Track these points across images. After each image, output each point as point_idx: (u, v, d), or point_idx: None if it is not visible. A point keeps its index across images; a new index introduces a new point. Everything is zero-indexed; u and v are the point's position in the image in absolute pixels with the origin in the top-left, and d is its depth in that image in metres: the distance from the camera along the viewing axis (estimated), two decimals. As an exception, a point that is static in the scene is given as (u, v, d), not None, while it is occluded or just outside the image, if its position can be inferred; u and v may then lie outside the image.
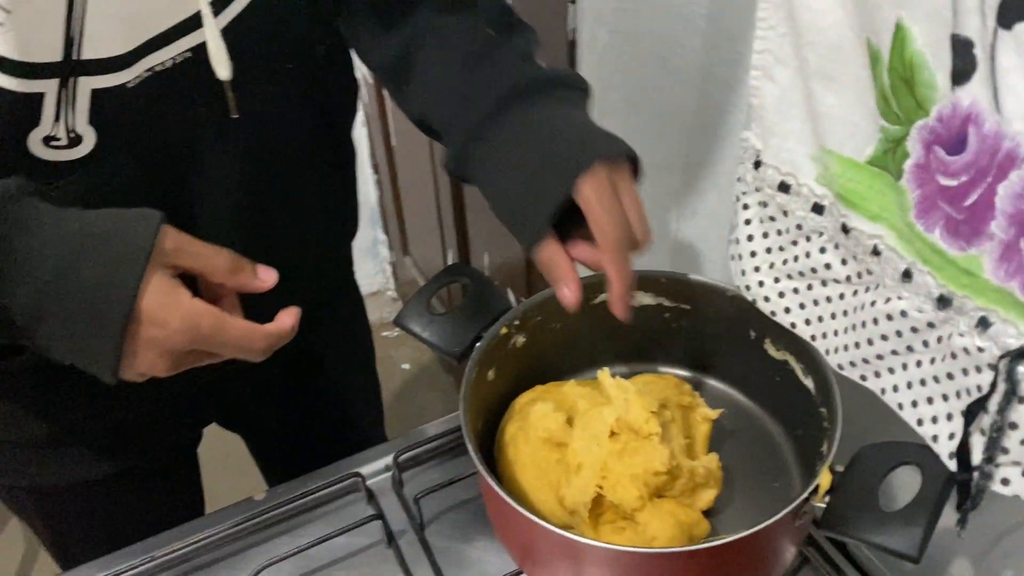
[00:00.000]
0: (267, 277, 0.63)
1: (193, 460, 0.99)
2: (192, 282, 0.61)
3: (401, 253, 2.27)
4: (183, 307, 0.57)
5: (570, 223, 0.66)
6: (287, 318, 0.63)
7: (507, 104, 0.69)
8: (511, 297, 1.54)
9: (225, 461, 1.28)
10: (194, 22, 0.61)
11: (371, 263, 2.35)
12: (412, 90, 0.76)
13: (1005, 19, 0.47)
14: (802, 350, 0.74)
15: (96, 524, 0.89)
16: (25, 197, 0.55)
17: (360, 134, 2.10)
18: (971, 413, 0.56)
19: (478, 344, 0.76)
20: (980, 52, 0.49)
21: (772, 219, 0.70)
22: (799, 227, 0.68)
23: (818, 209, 0.66)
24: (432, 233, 1.93)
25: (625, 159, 0.67)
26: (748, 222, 0.72)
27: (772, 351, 0.78)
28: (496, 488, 0.66)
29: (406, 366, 2.24)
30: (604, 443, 0.71)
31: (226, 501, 0.84)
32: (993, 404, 0.55)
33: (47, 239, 0.55)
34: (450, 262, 1.87)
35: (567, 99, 0.71)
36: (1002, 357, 0.53)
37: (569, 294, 0.67)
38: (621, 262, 0.65)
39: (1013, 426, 0.54)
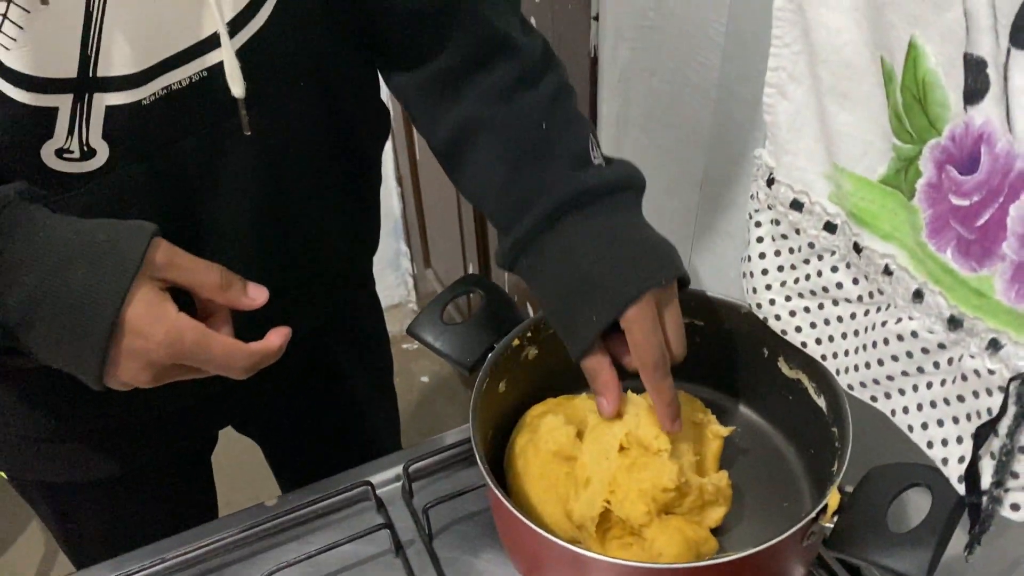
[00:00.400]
0: (257, 295, 0.63)
1: (206, 465, 1.00)
2: (190, 297, 0.62)
3: (423, 265, 2.28)
4: (168, 320, 0.57)
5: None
6: (275, 338, 0.63)
7: (558, 218, 0.69)
8: (529, 310, 1.55)
9: (242, 467, 1.29)
10: (211, 43, 0.62)
11: (393, 275, 2.36)
12: (464, 180, 0.76)
13: (1018, 39, 0.47)
14: (815, 369, 0.73)
15: (106, 523, 0.90)
16: (24, 203, 0.56)
17: (385, 147, 2.12)
18: (980, 436, 0.56)
19: (490, 355, 0.77)
20: (993, 72, 0.49)
21: (784, 237, 0.70)
22: (811, 245, 0.68)
23: (830, 228, 0.66)
24: (454, 246, 1.94)
25: (674, 279, 0.69)
26: (760, 240, 0.71)
27: (785, 369, 0.77)
28: (503, 500, 0.66)
29: (425, 379, 2.24)
30: (613, 457, 0.71)
31: (242, 507, 0.84)
32: (1003, 427, 0.54)
33: (39, 245, 0.56)
34: (471, 275, 1.87)
35: (619, 205, 0.71)
36: (1012, 379, 0.53)
37: (607, 405, 0.71)
38: (659, 383, 0.69)
39: (1023, 450, 0.54)
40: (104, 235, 0.57)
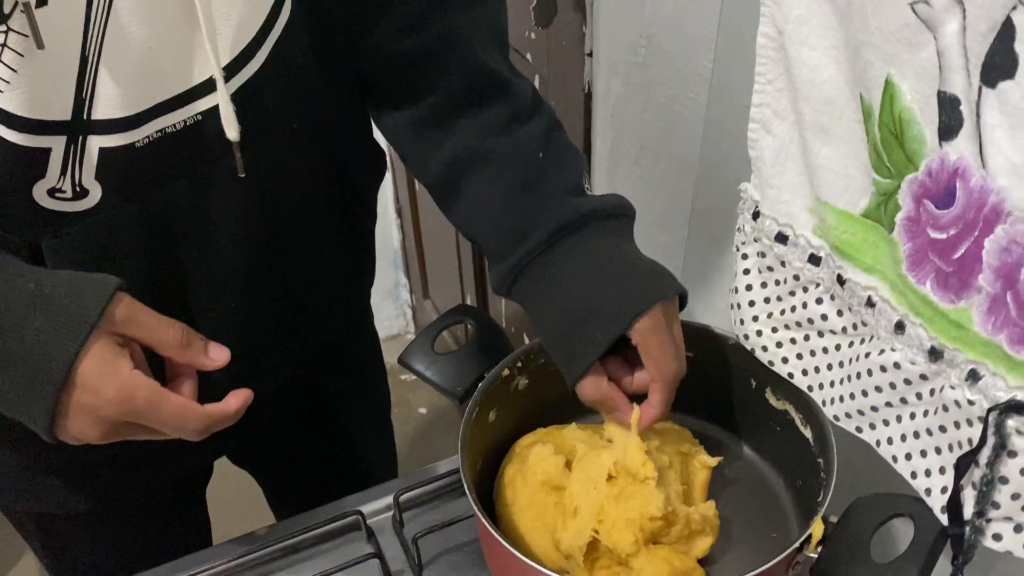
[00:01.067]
0: (217, 356, 0.63)
1: (200, 498, 0.99)
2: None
3: (422, 296, 2.29)
4: (120, 377, 0.57)
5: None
6: (233, 401, 0.63)
7: (556, 240, 0.70)
8: (526, 340, 1.55)
9: (239, 501, 1.28)
10: (205, 87, 0.62)
11: (392, 306, 2.36)
12: (459, 211, 0.76)
13: (989, 78, 0.48)
14: (801, 400, 0.74)
15: (96, 555, 0.90)
16: None
17: (384, 180, 2.13)
18: (961, 466, 0.56)
19: (480, 385, 0.77)
20: (966, 109, 0.50)
21: (770, 269, 0.71)
22: (796, 278, 0.69)
23: (815, 260, 0.67)
24: (452, 277, 1.94)
25: (676, 295, 0.70)
26: (747, 272, 0.72)
27: (773, 400, 0.78)
28: (491, 530, 0.66)
29: (423, 410, 2.24)
30: (602, 487, 0.71)
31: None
32: (983, 457, 0.55)
33: None
34: (468, 306, 1.87)
35: (613, 229, 0.71)
36: (991, 410, 0.53)
37: (625, 416, 0.71)
38: (670, 395, 0.70)
39: (1003, 480, 0.54)
40: (66, 288, 0.57)
